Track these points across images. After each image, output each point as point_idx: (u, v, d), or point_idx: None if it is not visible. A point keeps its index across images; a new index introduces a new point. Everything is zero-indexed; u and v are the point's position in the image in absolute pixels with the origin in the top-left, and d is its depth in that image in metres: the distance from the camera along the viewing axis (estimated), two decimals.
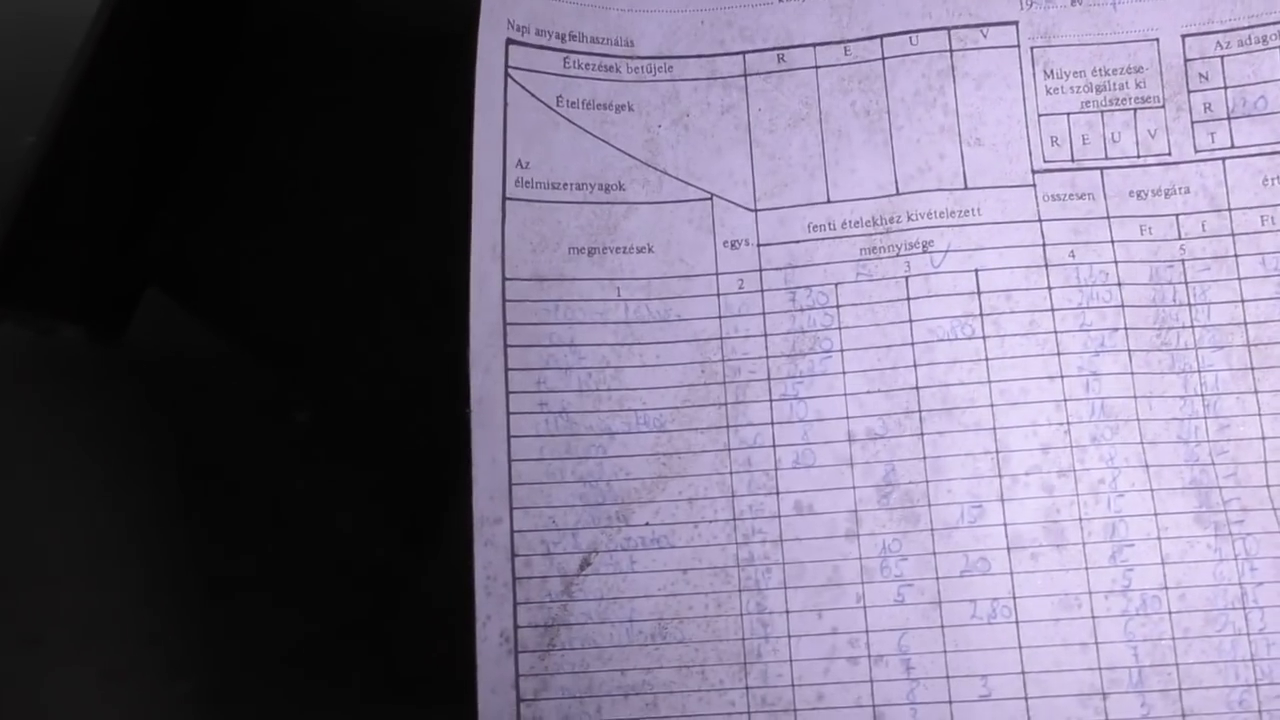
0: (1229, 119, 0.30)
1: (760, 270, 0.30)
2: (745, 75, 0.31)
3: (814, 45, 0.31)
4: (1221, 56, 0.30)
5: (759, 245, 0.31)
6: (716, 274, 0.31)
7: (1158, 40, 0.31)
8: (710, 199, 0.31)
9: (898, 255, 0.30)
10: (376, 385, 0.37)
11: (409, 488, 0.36)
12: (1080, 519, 0.28)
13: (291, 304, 0.34)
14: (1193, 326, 0.29)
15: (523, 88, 0.31)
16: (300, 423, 0.35)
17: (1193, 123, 0.30)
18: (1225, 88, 0.30)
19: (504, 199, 0.30)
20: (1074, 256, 0.30)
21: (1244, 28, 0.30)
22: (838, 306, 0.30)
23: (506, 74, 0.31)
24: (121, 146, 0.37)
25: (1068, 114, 0.30)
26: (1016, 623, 0.28)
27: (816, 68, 0.31)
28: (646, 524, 0.29)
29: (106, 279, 0.38)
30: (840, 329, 0.30)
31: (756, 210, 0.31)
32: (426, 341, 0.34)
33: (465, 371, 0.29)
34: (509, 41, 0.31)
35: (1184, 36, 0.30)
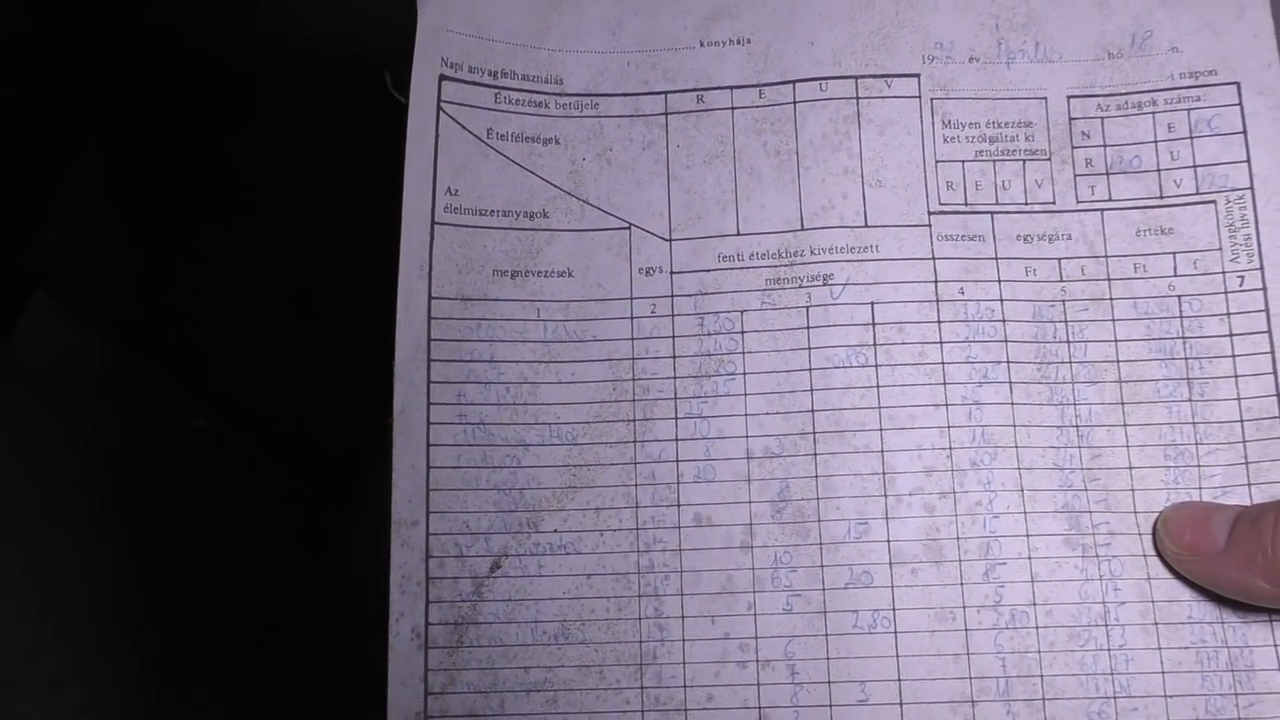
0: (1108, 174, 0.33)
1: (672, 296, 0.32)
2: (666, 114, 0.34)
3: (731, 88, 0.34)
4: (1102, 118, 0.33)
5: (672, 273, 0.33)
6: (631, 299, 0.32)
7: (1046, 99, 0.33)
8: (629, 228, 0.33)
9: (800, 287, 0.32)
10: (274, 392, 0.38)
11: (307, 493, 0.36)
12: (958, 538, 0.30)
13: (188, 309, 0.35)
14: (1070, 362, 0.32)
15: (454, 120, 0.33)
16: (197, 429, 0.35)
17: (1075, 176, 0.33)
18: (1105, 146, 0.33)
19: (433, 223, 0.32)
20: (963, 294, 0.32)
21: (1121, 93, 0.33)
22: (742, 333, 0.32)
23: (439, 108, 0.33)
24: (3, 144, 0.37)
25: (963, 162, 0.33)
26: (895, 633, 0.30)
27: (733, 109, 0.33)
28: (555, 531, 0.31)
29: None
30: (744, 354, 0.32)
31: (671, 240, 0.33)
32: (327, 350, 0.35)
33: (388, 382, 0.31)
34: (442, 78, 0.33)
35: (1069, 97, 0.33)
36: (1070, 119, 0.33)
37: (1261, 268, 0.31)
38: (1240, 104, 0.32)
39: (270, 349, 0.40)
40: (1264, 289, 0.31)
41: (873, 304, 0.32)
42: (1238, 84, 0.32)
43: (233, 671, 0.36)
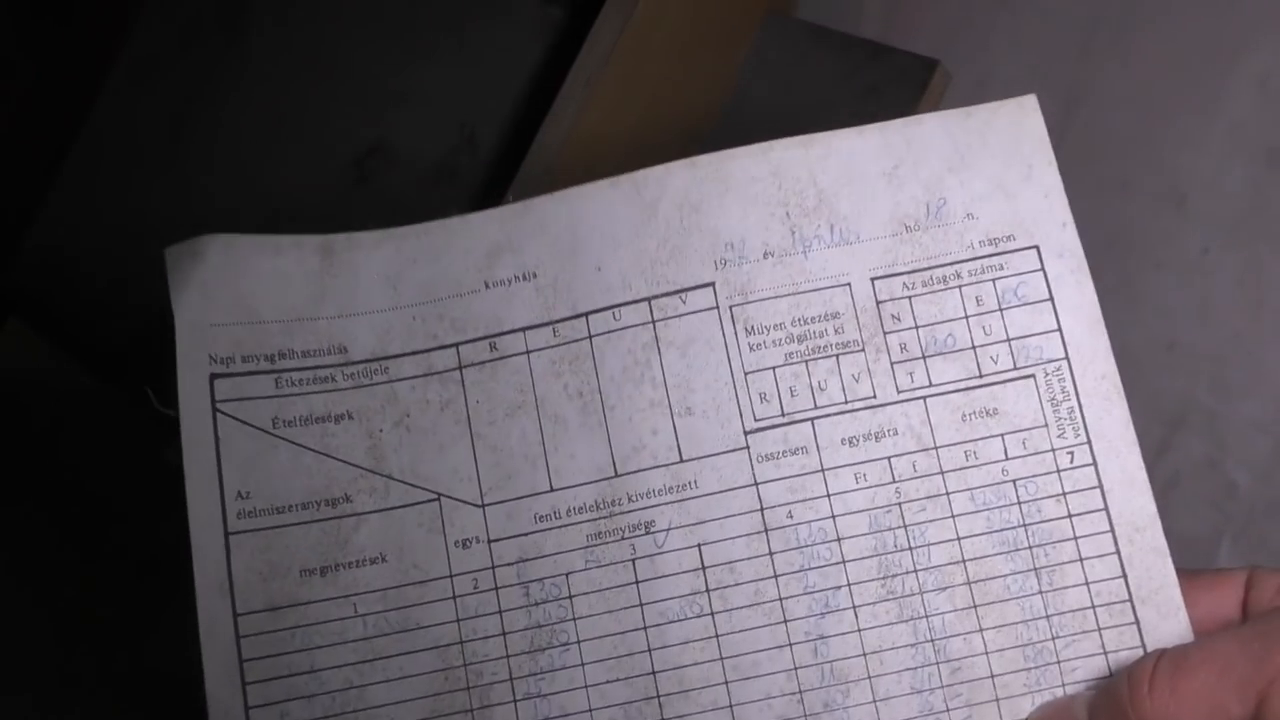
0: (924, 357, 0.31)
1: (493, 568, 0.31)
2: (460, 368, 0.32)
3: (524, 330, 0.32)
4: (909, 297, 0.31)
5: (489, 542, 0.31)
6: (451, 576, 0.31)
7: (849, 285, 0.32)
8: (438, 499, 0.31)
9: (622, 539, 0.30)
10: None
11: None
12: None
13: (164, 339, 0.33)
14: (915, 571, 0.30)
15: (234, 418, 0.31)
16: (170, 463, 0.33)
17: (892, 364, 0.31)
18: (917, 327, 0.31)
19: (226, 534, 0.30)
20: (792, 517, 0.30)
21: (924, 269, 0.31)
22: (570, 597, 0.30)
23: (214, 410, 0.31)
24: None
25: (773, 368, 0.31)
26: None
27: (528, 353, 0.32)
28: None
29: None
30: (575, 620, 0.30)
31: (484, 505, 0.31)
32: None
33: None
34: (213, 376, 0.31)
35: (873, 280, 0.31)
36: (878, 302, 0.31)
37: (1089, 441, 0.30)
38: (1043, 269, 0.31)
39: None
40: (1094, 463, 0.30)
41: (699, 546, 0.30)
42: (1037, 247, 0.31)
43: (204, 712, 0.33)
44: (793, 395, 0.31)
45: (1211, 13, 0.63)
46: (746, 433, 0.31)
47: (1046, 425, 0.30)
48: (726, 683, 0.29)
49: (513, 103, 0.48)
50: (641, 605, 0.30)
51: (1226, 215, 0.62)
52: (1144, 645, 0.29)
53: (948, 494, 0.30)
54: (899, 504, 0.30)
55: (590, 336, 0.32)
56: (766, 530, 0.30)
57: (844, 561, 0.30)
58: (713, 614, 0.30)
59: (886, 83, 0.59)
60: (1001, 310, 0.31)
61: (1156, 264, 0.63)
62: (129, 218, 0.45)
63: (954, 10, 0.67)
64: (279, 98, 0.48)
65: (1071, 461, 0.30)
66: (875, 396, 0.31)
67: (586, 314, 0.32)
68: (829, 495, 0.30)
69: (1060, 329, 0.30)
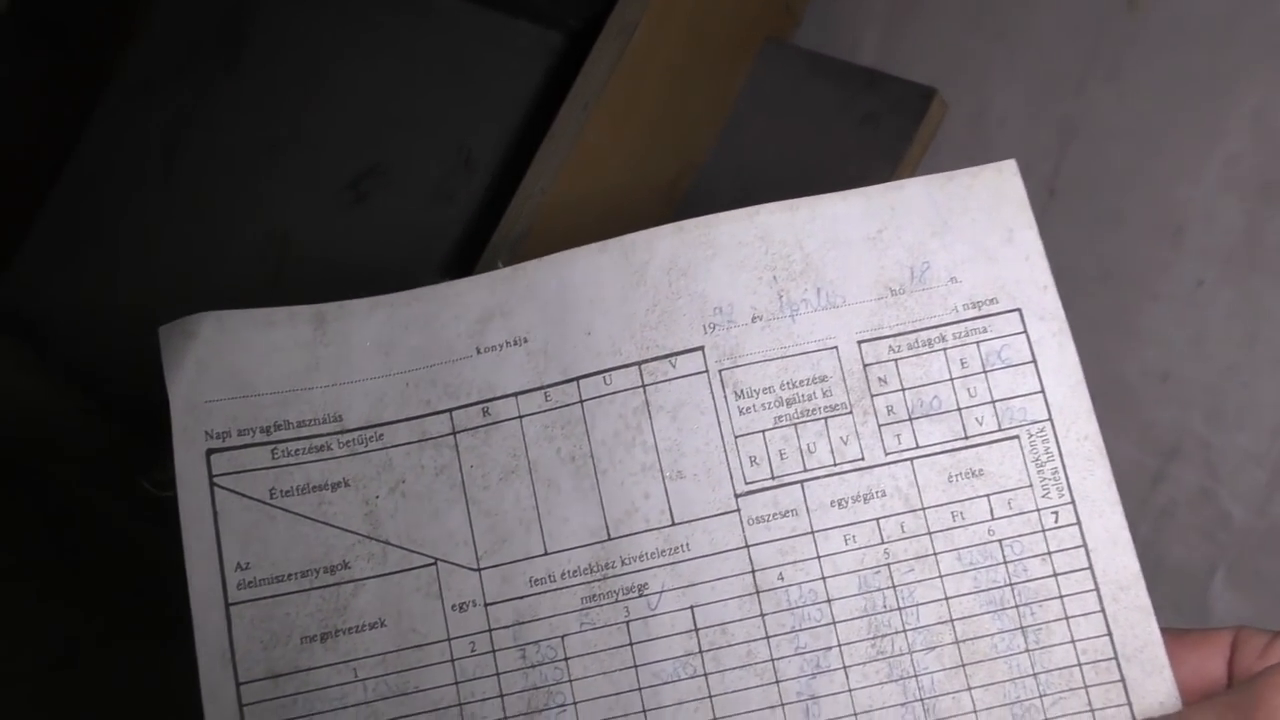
0: (910, 420, 0.32)
1: (490, 631, 0.31)
2: (454, 433, 0.32)
3: (515, 395, 0.32)
4: (895, 360, 0.32)
5: (486, 605, 0.31)
6: (449, 640, 0.31)
7: (836, 348, 0.32)
8: (434, 564, 0.32)
9: (616, 601, 0.31)
10: None
11: None
12: None
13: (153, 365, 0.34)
14: (904, 631, 0.30)
15: (231, 491, 0.31)
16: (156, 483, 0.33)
17: (879, 426, 0.32)
18: (903, 389, 0.32)
19: (227, 605, 0.31)
20: (783, 579, 0.31)
21: (909, 331, 0.32)
22: (566, 659, 0.31)
23: (211, 484, 0.31)
24: None
25: (763, 431, 0.32)
26: None
27: (520, 417, 0.32)
28: None
29: None
30: (571, 681, 0.31)
31: (480, 569, 0.32)
32: None
33: None
34: (209, 452, 0.31)
35: (859, 342, 0.32)
36: (864, 365, 0.32)
37: (1073, 501, 0.30)
38: (1025, 331, 0.31)
39: None
40: (1078, 523, 0.30)
41: (692, 608, 0.31)
42: (1019, 310, 0.32)
43: None
44: (782, 458, 0.32)
45: (1208, 47, 0.63)
46: (737, 495, 0.31)
47: (1031, 486, 0.31)
48: None
49: (511, 125, 0.49)
50: (636, 667, 0.30)
51: (1222, 248, 0.63)
52: (1129, 702, 0.29)
53: (935, 554, 0.31)
54: (888, 565, 0.31)
55: (582, 401, 0.32)
56: (758, 592, 0.31)
57: (834, 622, 0.30)
58: (706, 675, 0.30)
59: (884, 111, 0.59)
60: (986, 372, 0.31)
61: (1152, 295, 0.63)
62: (123, 237, 0.45)
63: (952, 40, 0.68)
64: (277, 118, 0.49)
65: (1056, 521, 0.30)
66: (863, 458, 0.31)
67: (577, 378, 0.32)
68: (819, 557, 0.31)
69: (1043, 390, 0.31)
